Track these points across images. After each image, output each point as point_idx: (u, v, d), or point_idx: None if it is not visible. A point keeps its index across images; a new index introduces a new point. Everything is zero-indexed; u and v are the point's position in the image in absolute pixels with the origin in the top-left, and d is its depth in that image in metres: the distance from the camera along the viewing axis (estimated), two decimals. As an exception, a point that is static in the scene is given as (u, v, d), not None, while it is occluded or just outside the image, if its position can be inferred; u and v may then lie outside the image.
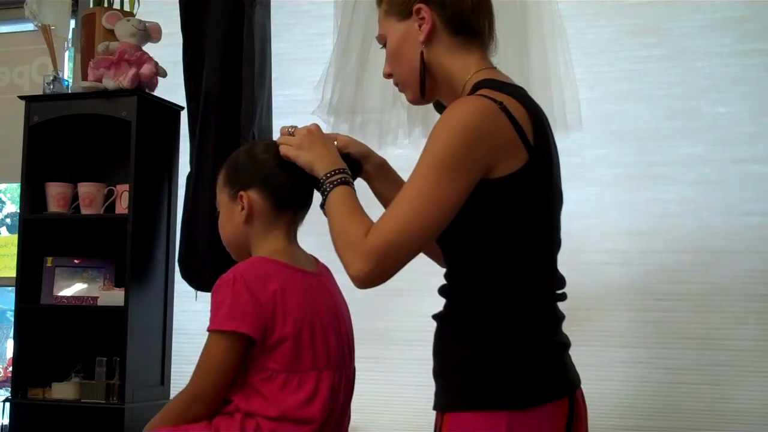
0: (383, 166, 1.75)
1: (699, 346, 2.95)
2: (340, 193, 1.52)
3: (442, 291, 1.53)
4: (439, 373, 1.49)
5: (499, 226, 1.42)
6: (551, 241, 1.50)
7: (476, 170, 1.39)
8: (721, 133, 3.02)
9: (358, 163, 1.73)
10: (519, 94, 1.48)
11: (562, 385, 1.46)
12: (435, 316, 1.52)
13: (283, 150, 1.69)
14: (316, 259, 1.91)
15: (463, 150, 1.37)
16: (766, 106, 2.99)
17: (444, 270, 1.55)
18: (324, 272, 1.90)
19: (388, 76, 1.61)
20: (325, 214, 1.53)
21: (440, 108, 1.63)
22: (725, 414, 2.90)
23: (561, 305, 1.52)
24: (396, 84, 1.62)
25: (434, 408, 1.48)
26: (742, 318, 2.93)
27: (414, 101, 1.61)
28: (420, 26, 1.53)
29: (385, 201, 1.72)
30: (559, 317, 1.51)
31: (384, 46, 1.60)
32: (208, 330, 1.71)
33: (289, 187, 1.80)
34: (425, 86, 1.55)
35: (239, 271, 1.73)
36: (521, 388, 1.40)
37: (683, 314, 2.98)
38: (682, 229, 3.01)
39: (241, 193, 1.81)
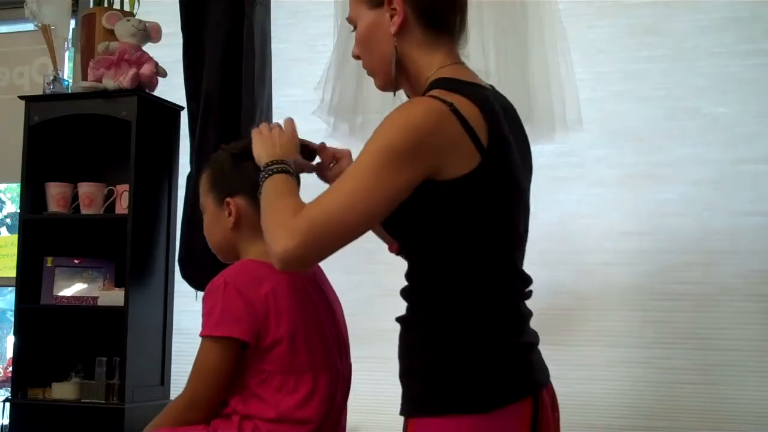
0: None
1: (699, 346, 2.95)
2: (277, 178, 1.54)
3: (403, 293, 1.51)
4: (403, 378, 1.48)
5: (454, 228, 1.41)
6: (511, 241, 1.48)
7: (417, 170, 1.37)
8: (721, 133, 3.02)
9: (312, 152, 1.76)
10: (476, 93, 1.45)
11: (525, 385, 1.43)
12: (398, 319, 1.50)
13: (253, 133, 1.71)
14: None
15: (405, 149, 1.36)
16: (766, 106, 2.99)
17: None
18: (315, 270, 1.89)
19: (357, 57, 1.60)
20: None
21: None
22: (725, 414, 2.90)
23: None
24: (364, 68, 1.61)
25: (400, 413, 1.46)
26: (742, 318, 2.93)
27: (383, 88, 1.60)
28: (392, 17, 1.51)
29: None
30: (525, 316, 1.49)
31: (355, 29, 1.58)
32: (201, 335, 1.71)
33: None
34: (396, 78, 1.54)
35: (229, 276, 1.72)
36: (482, 391, 1.38)
37: (683, 314, 2.98)
38: (682, 229, 3.01)
39: (228, 200, 1.81)
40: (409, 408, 1.44)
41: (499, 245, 1.45)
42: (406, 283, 1.51)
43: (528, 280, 1.51)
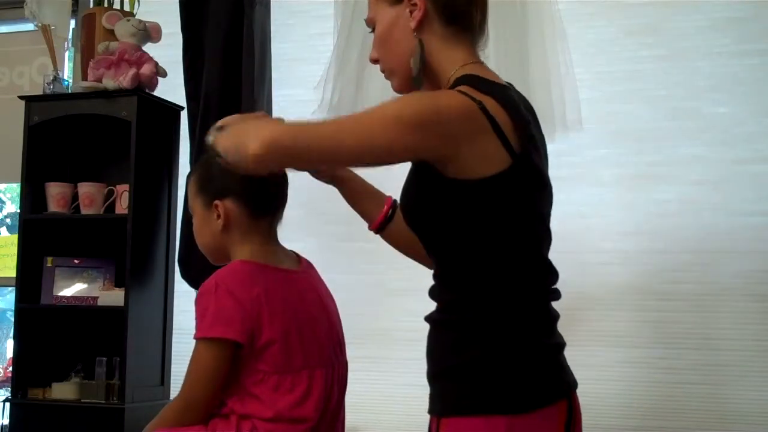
0: (352, 180, 1.77)
1: (699, 346, 2.95)
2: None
3: (432, 293, 1.50)
4: (434, 377, 1.47)
5: (485, 227, 1.40)
6: (542, 238, 1.48)
7: (420, 150, 1.36)
8: (721, 133, 3.02)
9: None
10: (502, 94, 1.44)
11: (561, 386, 1.43)
12: (427, 318, 1.50)
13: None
14: (297, 255, 1.90)
15: (416, 119, 1.34)
16: (766, 106, 2.99)
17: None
18: (307, 268, 1.89)
19: (375, 61, 1.58)
20: None
21: None
22: (725, 414, 2.90)
23: (559, 304, 1.51)
24: (383, 71, 1.58)
25: (429, 412, 1.46)
26: (742, 318, 2.93)
27: (401, 90, 1.57)
28: (411, 12, 1.49)
29: (361, 214, 1.76)
30: (554, 317, 1.49)
31: (373, 30, 1.56)
32: (195, 338, 1.71)
33: (266, 194, 1.80)
34: (422, 75, 1.50)
35: (221, 277, 1.72)
36: (520, 392, 1.38)
37: (683, 314, 2.98)
38: (682, 229, 3.01)
39: (217, 202, 1.79)
40: (442, 408, 1.43)
41: (530, 243, 1.45)
42: (432, 283, 1.50)
43: (556, 273, 1.50)
